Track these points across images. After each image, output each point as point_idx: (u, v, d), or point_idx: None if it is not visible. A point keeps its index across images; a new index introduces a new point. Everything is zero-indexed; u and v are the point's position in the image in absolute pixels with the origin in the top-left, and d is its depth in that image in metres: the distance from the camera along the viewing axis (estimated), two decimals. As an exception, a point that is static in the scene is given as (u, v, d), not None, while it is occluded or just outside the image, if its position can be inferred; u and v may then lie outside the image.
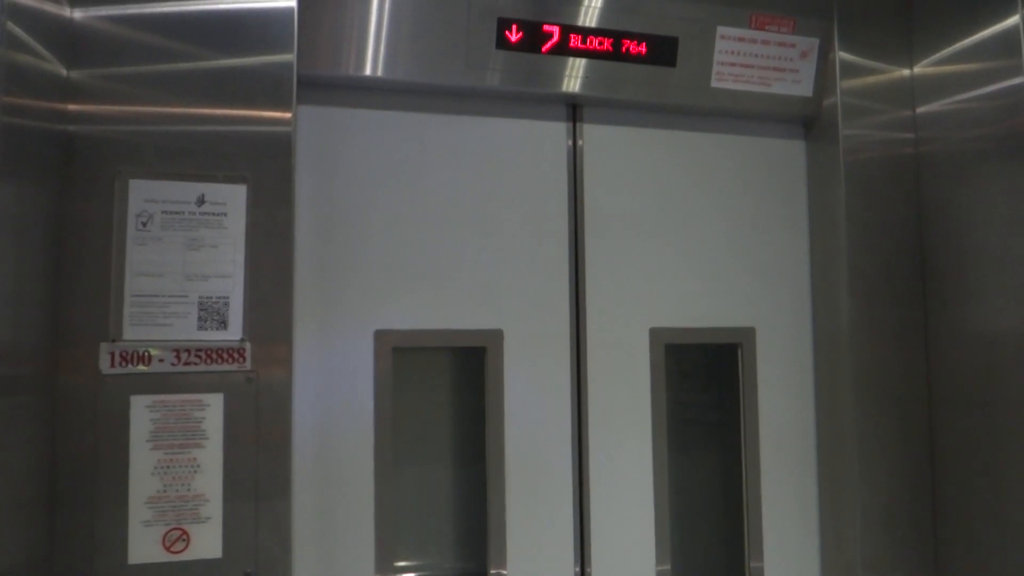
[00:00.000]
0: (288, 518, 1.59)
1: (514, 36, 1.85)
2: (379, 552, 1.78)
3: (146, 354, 1.54)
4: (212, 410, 1.56)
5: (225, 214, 1.60)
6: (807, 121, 2.17)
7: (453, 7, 1.81)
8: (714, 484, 2.17)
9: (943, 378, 2.01)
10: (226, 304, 1.59)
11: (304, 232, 1.79)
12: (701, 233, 2.09)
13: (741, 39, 2.01)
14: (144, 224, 1.55)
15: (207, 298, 1.58)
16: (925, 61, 2.08)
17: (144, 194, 1.55)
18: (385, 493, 1.79)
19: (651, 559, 1.98)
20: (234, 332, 1.59)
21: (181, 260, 1.57)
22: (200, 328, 1.57)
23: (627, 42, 1.93)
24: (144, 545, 1.51)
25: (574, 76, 1.92)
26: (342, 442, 1.79)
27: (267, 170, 1.62)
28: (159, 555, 1.52)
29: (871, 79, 2.09)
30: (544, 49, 1.88)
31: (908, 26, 2.13)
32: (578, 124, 2.02)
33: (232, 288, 1.59)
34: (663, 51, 1.96)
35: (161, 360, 1.55)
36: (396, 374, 1.84)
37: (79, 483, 1.48)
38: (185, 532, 1.53)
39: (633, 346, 2.01)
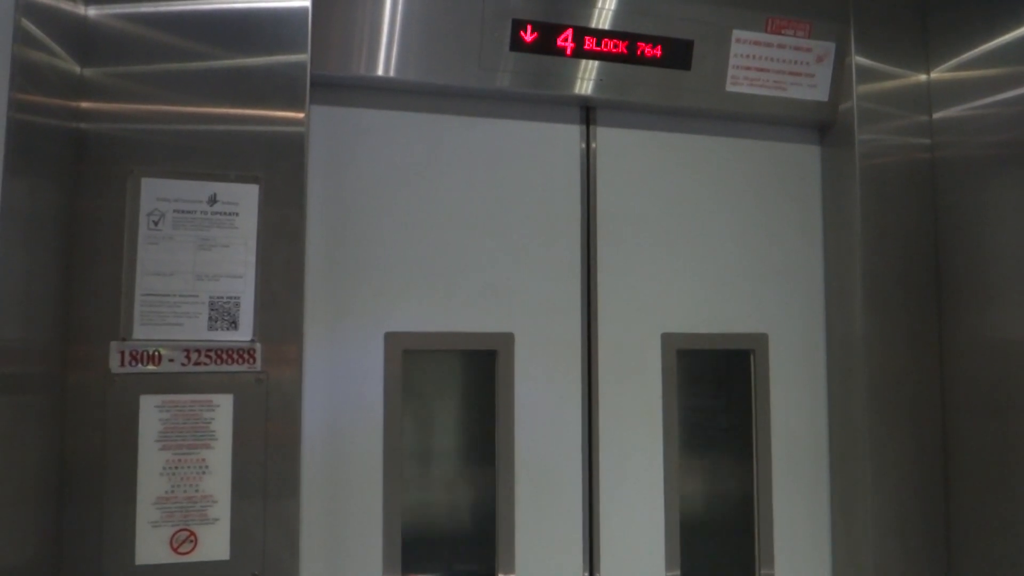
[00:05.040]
0: (296, 520, 1.59)
1: (528, 38, 1.84)
2: (387, 554, 1.77)
3: (156, 354, 1.53)
4: (221, 410, 1.56)
5: (237, 214, 1.59)
6: (822, 126, 2.15)
7: (467, 8, 1.80)
8: (725, 490, 2.16)
9: (957, 385, 1.99)
10: (237, 304, 1.58)
11: (315, 233, 1.78)
12: (714, 238, 2.08)
13: (757, 43, 2.00)
14: (156, 223, 1.55)
15: (218, 298, 1.57)
16: (942, 66, 2.07)
17: (156, 193, 1.55)
18: (393, 495, 1.79)
19: (661, 564, 1.97)
20: (244, 332, 1.58)
21: (192, 260, 1.56)
22: (210, 328, 1.56)
23: (642, 45, 1.92)
24: (152, 546, 1.50)
25: (588, 78, 1.91)
26: (351, 444, 1.78)
27: (279, 170, 1.62)
28: (166, 556, 1.51)
29: (887, 84, 2.07)
30: (558, 51, 1.87)
31: (925, 31, 2.11)
32: (591, 127, 2.01)
33: (243, 288, 1.58)
34: (678, 54, 1.95)
35: (171, 360, 1.54)
36: (406, 376, 1.83)
37: (87, 482, 1.48)
38: (193, 533, 1.53)
39: (645, 351, 2.00)
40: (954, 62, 2.04)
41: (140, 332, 1.53)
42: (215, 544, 1.54)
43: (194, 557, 1.53)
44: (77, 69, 1.51)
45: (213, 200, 1.58)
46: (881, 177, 2.04)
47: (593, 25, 1.88)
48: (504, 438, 1.87)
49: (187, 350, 1.55)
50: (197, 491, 1.53)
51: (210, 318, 1.56)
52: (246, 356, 1.58)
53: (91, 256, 1.51)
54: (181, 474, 1.53)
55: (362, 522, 1.77)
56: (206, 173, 1.58)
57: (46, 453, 1.41)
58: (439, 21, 1.79)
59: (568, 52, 1.88)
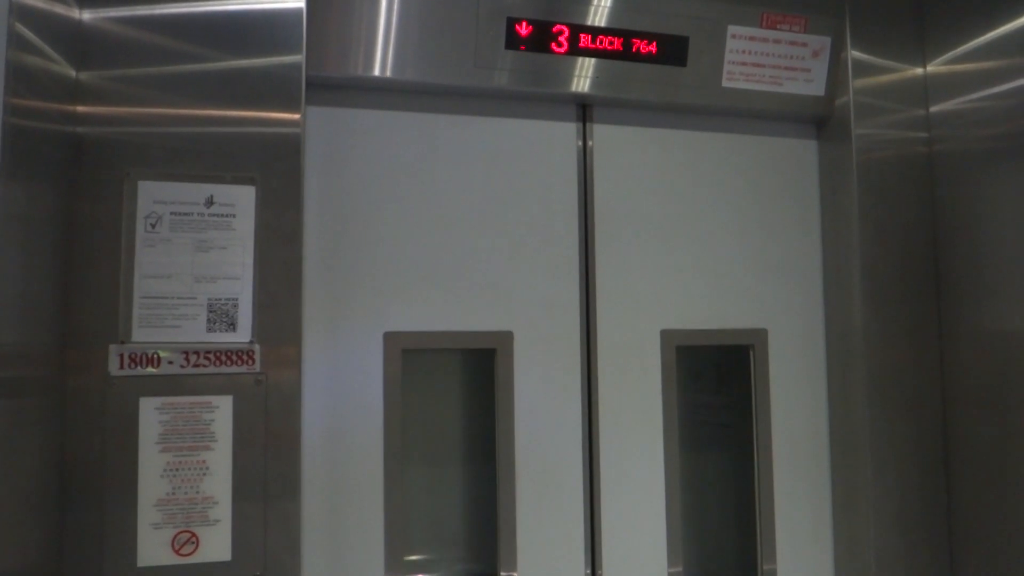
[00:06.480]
0: (297, 520, 1.59)
1: (523, 36, 1.84)
2: (389, 554, 1.77)
3: (155, 356, 1.53)
4: (221, 412, 1.56)
5: (234, 215, 1.59)
6: (819, 120, 2.15)
7: (462, 7, 1.80)
8: (726, 486, 2.16)
9: (957, 378, 1.99)
10: (235, 306, 1.58)
11: (313, 233, 1.78)
12: (712, 234, 2.08)
13: (752, 38, 2.00)
14: (153, 225, 1.55)
15: (216, 300, 1.57)
16: (938, 60, 2.06)
17: (153, 195, 1.55)
18: (394, 495, 1.79)
19: (663, 561, 1.96)
20: (243, 334, 1.58)
21: (190, 261, 1.57)
22: (209, 330, 1.56)
23: (637, 41, 1.92)
24: (153, 548, 1.51)
25: (584, 76, 1.91)
26: (351, 444, 1.78)
27: (276, 171, 1.62)
28: (168, 558, 1.52)
29: (884, 78, 2.07)
30: (554, 49, 1.87)
31: (921, 24, 2.11)
32: (588, 124, 2.01)
33: (241, 290, 1.59)
34: (673, 50, 1.94)
35: (170, 362, 1.54)
36: (405, 376, 1.83)
37: (88, 485, 1.48)
38: (194, 535, 1.53)
39: (644, 348, 2.00)
40: (950, 55, 2.03)
41: (139, 335, 1.53)
42: (216, 545, 1.54)
43: (196, 558, 1.53)
44: (72, 73, 1.51)
45: (210, 202, 1.58)
46: (878, 171, 2.03)
47: (588, 22, 1.88)
48: (504, 436, 1.87)
49: (186, 352, 1.55)
50: (198, 492, 1.54)
51: (208, 320, 1.57)
52: (245, 357, 1.58)
53: (89, 259, 1.51)
54: (182, 476, 1.53)
55: (363, 522, 1.77)
56: (203, 175, 1.58)
57: (46, 457, 1.41)
58: (434, 20, 1.79)
59: (564, 50, 1.88)
